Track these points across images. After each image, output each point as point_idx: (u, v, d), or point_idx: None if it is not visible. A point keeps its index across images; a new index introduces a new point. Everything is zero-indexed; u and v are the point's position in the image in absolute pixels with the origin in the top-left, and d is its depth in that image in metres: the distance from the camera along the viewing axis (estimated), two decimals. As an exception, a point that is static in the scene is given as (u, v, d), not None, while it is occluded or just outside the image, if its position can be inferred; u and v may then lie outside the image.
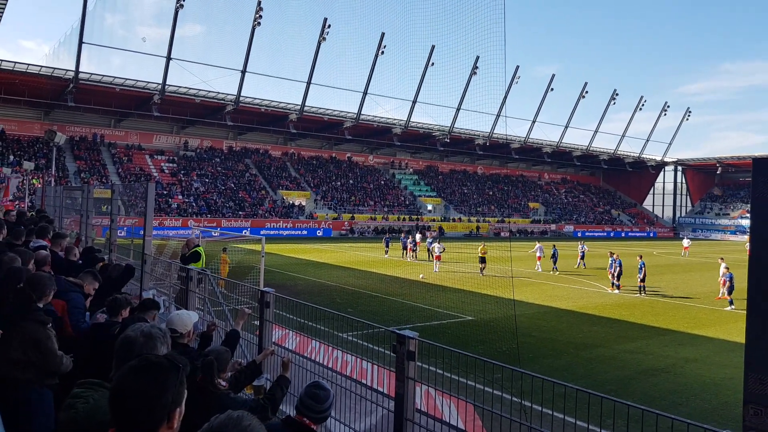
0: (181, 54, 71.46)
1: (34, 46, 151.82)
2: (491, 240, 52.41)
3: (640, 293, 22.31)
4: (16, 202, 32.63)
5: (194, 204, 50.72)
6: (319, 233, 53.95)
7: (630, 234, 76.12)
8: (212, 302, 8.92)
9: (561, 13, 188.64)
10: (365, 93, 56.15)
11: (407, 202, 66.35)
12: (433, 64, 56.11)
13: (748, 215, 2.02)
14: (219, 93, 51.11)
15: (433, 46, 54.92)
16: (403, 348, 3.74)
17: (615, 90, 72.65)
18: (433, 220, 62.57)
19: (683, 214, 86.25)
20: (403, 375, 3.72)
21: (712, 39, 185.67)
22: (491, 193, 75.76)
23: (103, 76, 46.16)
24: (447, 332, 15.00)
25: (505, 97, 61.27)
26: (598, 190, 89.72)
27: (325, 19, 50.99)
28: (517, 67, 62.20)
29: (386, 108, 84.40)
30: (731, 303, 20.02)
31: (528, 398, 7.31)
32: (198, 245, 13.39)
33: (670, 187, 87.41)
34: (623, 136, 77.33)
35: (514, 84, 62.43)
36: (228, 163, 59.48)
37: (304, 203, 57.91)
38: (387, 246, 36.24)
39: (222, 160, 59.58)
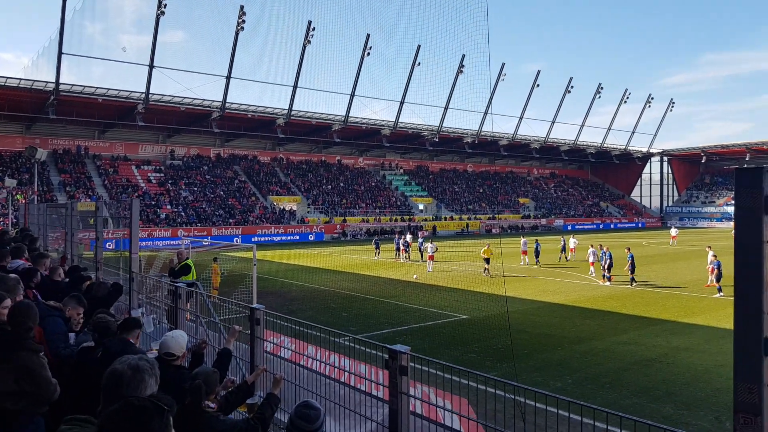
0: (164, 62, 70.99)
1: (13, 59, 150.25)
2: (483, 237, 52.58)
3: (631, 285, 22.46)
4: (0, 219, 32.21)
5: (183, 213, 50.39)
6: (312, 238, 53.79)
7: (619, 225, 76.74)
8: (204, 314, 8.86)
9: (545, 10, 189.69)
10: (352, 95, 56.10)
11: (398, 203, 66.37)
12: (419, 64, 56.23)
13: (734, 203, 2.04)
14: (204, 100, 50.81)
15: (418, 46, 55.03)
16: (395, 363, 3.72)
17: (600, 84, 73.26)
18: (425, 220, 62.63)
19: (670, 203, 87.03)
20: (396, 390, 3.70)
21: (693, 30, 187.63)
22: (481, 190, 75.98)
23: (85, 86, 45.68)
24: (442, 332, 15.03)
25: (492, 95, 61.53)
26: (587, 183, 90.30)
27: (309, 22, 50.93)
28: (503, 64, 62.50)
29: (374, 109, 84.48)
30: (720, 290, 20.23)
31: (521, 394, 7.34)
32: (188, 258, 13.31)
33: (656, 177, 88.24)
34: (609, 129, 78.00)
35: (500, 81, 62.68)
36: (216, 170, 59.17)
37: (295, 208, 57.73)
38: (377, 248, 36.27)
39: (210, 167, 59.25)
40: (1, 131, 49.70)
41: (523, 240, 32.24)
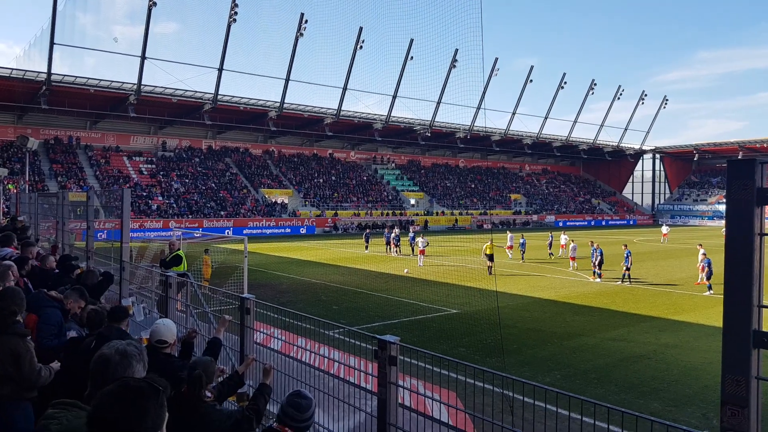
0: (156, 53, 70.49)
1: (5, 48, 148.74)
2: (474, 233, 52.71)
3: (624, 281, 22.55)
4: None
5: (174, 205, 50.17)
6: (303, 231, 53.73)
7: (610, 222, 77.08)
8: (194, 304, 8.83)
9: (538, 5, 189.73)
10: (345, 89, 55.92)
11: (390, 198, 66.35)
12: (412, 58, 56.07)
13: (725, 201, 2.05)
14: (196, 92, 50.50)
15: (411, 40, 54.86)
16: (384, 353, 3.72)
17: (593, 80, 73.33)
18: (417, 215, 62.67)
19: (662, 201, 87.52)
20: (385, 380, 3.70)
21: (688, 28, 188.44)
22: (473, 185, 76.09)
23: (77, 77, 45.31)
24: (432, 326, 15.07)
25: (485, 90, 61.51)
26: (579, 180, 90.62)
27: (302, 15, 50.65)
28: (496, 59, 62.44)
29: (367, 103, 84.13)
30: (710, 288, 20.40)
31: (510, 388, 7.37)
32: (179, 249, 13.26)
33: (648, 174, 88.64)
34: (602, 125, 78.15)
35: (493, 76, 62.67)
36: (208, 162, 58.90)
37: (286, 201, 57.60)
38: (367, 241, 36.33)
39: (201, 159, 58.98)
40: (-7, 121, 49.26)
41: (509, 235, 32.45)
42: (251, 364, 4.76)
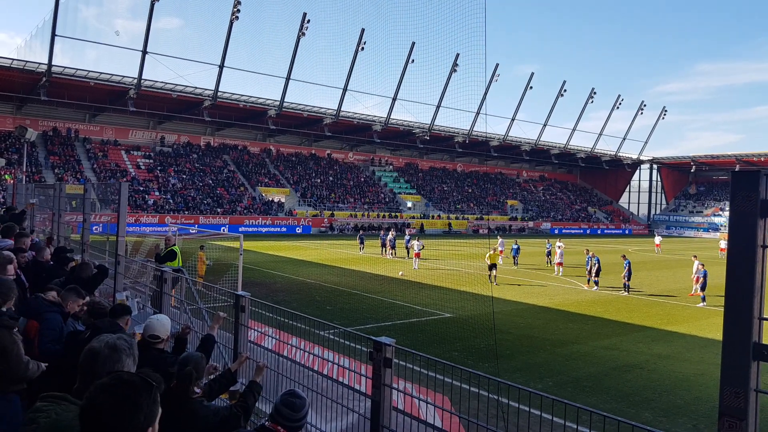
0: (158, 48, 70.45)
1: (7, 39, 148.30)
2: (470, 237, 52.74)
3: (624, 291, 22.50)
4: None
5: (171, 201, 50.05)
6: (299, 230, 53.67)
7: (606, 231, 77.21)
8: (189, 299, 8.78)
9: (541, 13, 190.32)
10: (345, 89, 55.92)
11: (387, 200, 66.33)
12: (413, 61, 56.14)
13: (721, 213, 2.02)
14: (196, 88, 50.45)
15: (413, 43, 54.96)
16: (380, 355, 3.70)
17: (593, 89, 73.49)
18: (413, 218, 62.66)
19: (658, 211, 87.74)
20: (379, 382, 3.68)
21: (688, 40, 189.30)
22: (470, 190, 76.13)
23: (77, 69, 45.18)
24: (426, 329, 15.05)
25: (485, 95, 61.57)
26: (575, 188, 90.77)
27: (305, 14, 50.65)
28: (497, 65, 62.55)
29: (366, 105, 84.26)
30: (703, 299, 20.42)
31: (505, 395, 7.36)
32: (174, 244, 13.22)
33: (645, 185, 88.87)
34: (600, 134, 78.33)
35: (493, 82, 62.72)
36: (206, 159, 58.79)
37: (283, 200, 57.52)
38: (361, 243, 36.28)
39: (200, 156, 58.86)
40: (-8, 111, 49.09)
41: (500, 240, 32.48)
42: (244, 362, 4.73)
